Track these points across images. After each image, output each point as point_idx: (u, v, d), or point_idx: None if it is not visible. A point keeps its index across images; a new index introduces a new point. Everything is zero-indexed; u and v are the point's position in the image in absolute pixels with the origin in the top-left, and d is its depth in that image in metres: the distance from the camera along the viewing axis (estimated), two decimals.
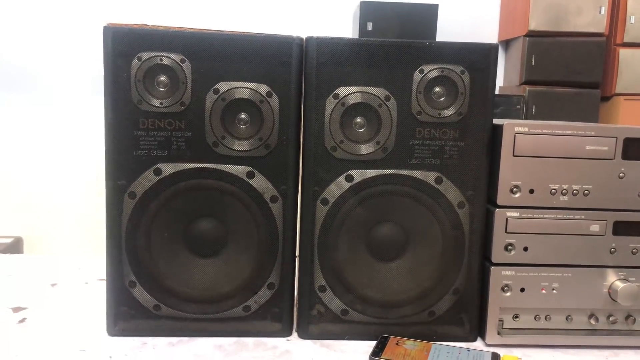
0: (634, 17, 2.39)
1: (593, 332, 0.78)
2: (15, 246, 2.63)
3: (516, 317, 0.77)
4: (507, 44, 2.72)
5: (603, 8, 2.37)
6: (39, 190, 2.70)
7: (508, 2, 2.67)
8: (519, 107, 2.36)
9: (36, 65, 2.67)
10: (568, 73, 2.42)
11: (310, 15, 2.68)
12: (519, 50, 2.49)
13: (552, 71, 2.43)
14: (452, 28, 2.58)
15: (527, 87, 2.44)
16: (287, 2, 2.69)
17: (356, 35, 2.39)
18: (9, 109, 2.68)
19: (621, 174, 0.75)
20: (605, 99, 2.51)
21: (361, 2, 2.35)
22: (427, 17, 2.34)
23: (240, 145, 0.74)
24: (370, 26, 2.29)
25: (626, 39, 2.43)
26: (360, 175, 0.75)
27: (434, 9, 2.36)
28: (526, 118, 2.39)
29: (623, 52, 2.44)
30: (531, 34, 2.43)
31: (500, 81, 2.76)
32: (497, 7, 2.74)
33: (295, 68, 0.73)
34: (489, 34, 2.72)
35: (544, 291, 0.76)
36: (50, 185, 2.70)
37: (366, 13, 2.31)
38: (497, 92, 2.71)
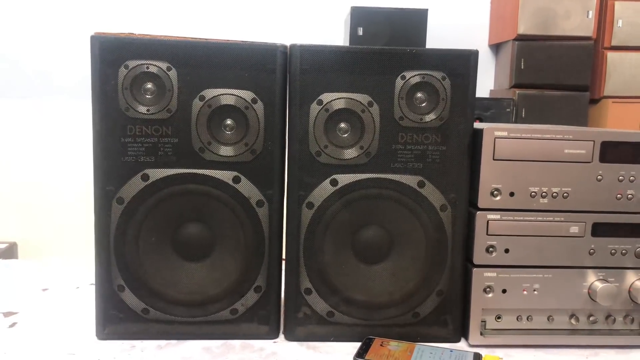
0: (621, 20, 2.42)
1: (574, 332, 0.79)
2: (9, 251, 2.63)
3: (498, 317, 0.79)
4: (497, 47, 2.74)
5: (591, 12, 2.39)
6: (34, 196, 2.70)
7: (497, 6, 2.70)
8: (509, 110, 2.38)
9: (29, 71, 2.68)
10: (557, 76, 2.45)
11: (301, 20, 2.70)
12: (509, 54, 2.52)
13: (542, 74, 2.45)
14: (442, 33, 2.60)
15: (517, 91, 2.46)
16: (279, 8, 2.70)
17: (347, 41, 2.41)
18: (3, 114, 2.68)
19: (599, 177, 0.77)
20: (594, 101, 2.54)
21: (352, 8, 2.37)
22: (417, 22, 2.36)
23: (226, 151, 0.75)
24: (360, 31, 2.31)
25: (614, 43, 2.46)
26: (344, 179, 0.76)
27: (423, 14, 2.38)
28: (516, 121, 2.42)
29: (611, 55, 2.47)
30: (520, 38, 2.46)
31: (490, 84, 2.78)
32: (487, 12, 2.77)
33: (280, 75, 0.75)
34: (478, 38, 2.74)
35: (525, 292, 0.78)
36: (45, 190, 2.70)
37: (357, 18, 2.33)
38: (487, 95, 2.74)
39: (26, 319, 0.83)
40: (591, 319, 0.79)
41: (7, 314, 0.85)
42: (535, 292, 0.78)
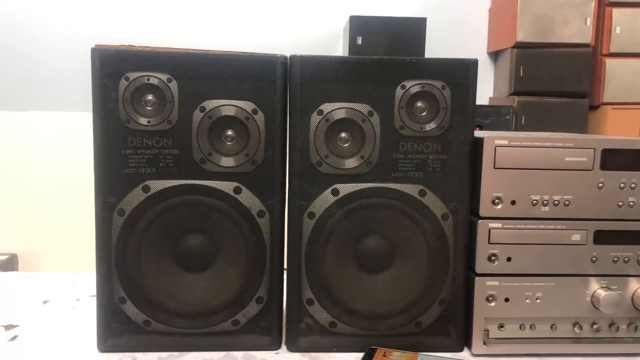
0: (619, 27, 2.43)
1: (577, 340, 0.79)
2: (9, 263, 2.62)
3: (501, 326, 0.79)
4: (495, 55, 2.75)
5: (588, 19, 2.41)
6: (34, 207, 2.70)
7: (496, 14, 2.71)
8: (508, 117, 2.39)
9: (30, 83, 2.69)
10: (556, 83, 2.46)
11: (300, 30, 2.71)
12: (507, 62, 2.52)
13: (540, 82, 2.46)
14: (440, 41, 2.61)
15: (516, 98, 2.47)
16: (278, 17, 2.71)
17: (346, 50, 2.42)
18: (3, 126, 2.69)
19: (600, 184, 0.77)
20: (593, 108, 2.55)
21: (351, 17, 2.38)
22: (415, 31, 2.37)
23: (227, 162, 0.75)
24: (359, 40, 2.32)
25: (612, 49, 2.47)
26: (345, 189, 0.76)
27: (422, 22, 2.39)
28: (516, 128, 2.42)
29: (609, 62, 2.48)
30: (519, 46, 2.47)
31: (490, 92, 2.79)
32: (485, 20, 2.78)
33: (280, 85, 0.75)
34: (477, 46, 2.75)
35: (528, 301, 0.78)
36: (45, 202, 2.70)
37: (356, 27, 2.34)
38: (487, 103, 2.74)
39: (27, 332, 0.83)
40: (594, 327, 0.79)
41: (8, 327, 0.85)
42: (538, 301, 0.78)
